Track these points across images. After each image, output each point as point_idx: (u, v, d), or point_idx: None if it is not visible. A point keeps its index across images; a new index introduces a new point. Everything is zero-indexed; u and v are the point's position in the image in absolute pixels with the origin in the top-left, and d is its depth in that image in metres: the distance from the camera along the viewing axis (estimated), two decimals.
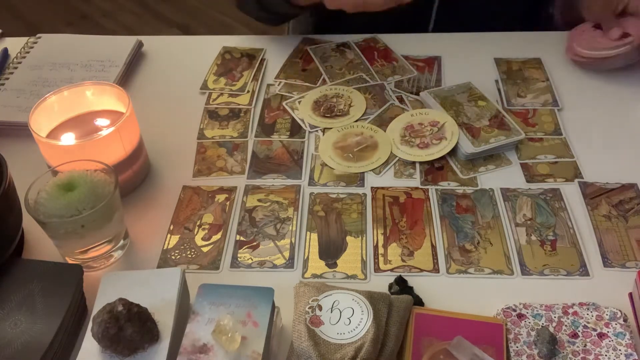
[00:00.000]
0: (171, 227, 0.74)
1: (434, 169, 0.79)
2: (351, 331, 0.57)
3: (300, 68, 0.97)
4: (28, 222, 0.68)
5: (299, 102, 0.90)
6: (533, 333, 0.60)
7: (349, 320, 0.58)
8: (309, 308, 0.59)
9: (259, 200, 0.76)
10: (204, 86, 0.94)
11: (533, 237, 0.70)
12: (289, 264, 0.69)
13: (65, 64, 0.97)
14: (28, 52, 1.00)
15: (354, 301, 0.59)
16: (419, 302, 0.63)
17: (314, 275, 0.68)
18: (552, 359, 0.58)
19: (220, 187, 0.78)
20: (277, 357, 0.60)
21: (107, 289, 0.61)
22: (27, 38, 1.03)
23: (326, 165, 0.80)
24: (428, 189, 0.77)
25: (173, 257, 0.70)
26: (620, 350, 0.58)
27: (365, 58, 0.98)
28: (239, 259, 0.70)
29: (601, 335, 0.60)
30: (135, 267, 0.69)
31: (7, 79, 0.95)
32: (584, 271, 0.67)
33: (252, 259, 0.70)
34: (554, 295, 0.64)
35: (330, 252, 0.70)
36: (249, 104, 0.91)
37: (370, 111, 0.88)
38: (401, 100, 0.90)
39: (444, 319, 0.61)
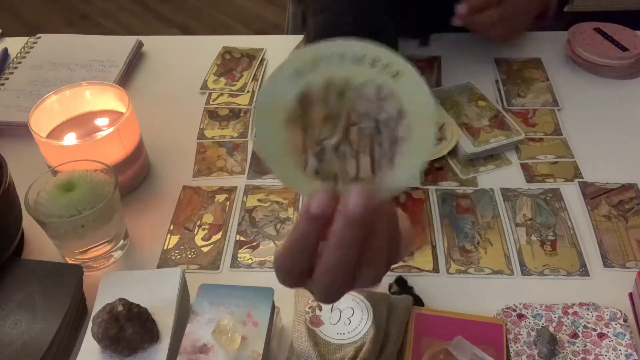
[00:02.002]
0: (171, 227, 0.74)
1: (434, 169, 0.79)
2: (351, 331, 0.57)
3: None
4: (28, 222, 0.68)
5: None
6: (533, 333, 0.60)
7: (349, 320, 0.58)
8: (309, 308, 0.59)
9: (259, 200, 0.76)
10: (204, 86, 0.94)
11: (533, 237, 0.70)
12: None
13: (65, 64, 0.97)
14: (28, 52, 1.00)
15: (354, 301, 0.59)
16: (419, 302, 0.63)
17: None
18: (552, 359, 0.58)
19: (220, 187, 0.78)
20: (277, 357, 0.60)
21: (107, 289, 0.61)
22: (27, 38, 1.03)
23: None
24: (428, 189, 0.77)
25: (173, 257, 0.70)
26: (620, 350, 0.58)
27: None
28: (239, 259, 0.70)
29: (601, 335, 0.60)
30: (135, 267, 0.69)
31: (7, 79, 0.95)
32: (583, 271, 0.67)
33: (252, 259, 0.70)
34: (554, 295, 0.64)
35: None
36: (249, 104, 0.91)
37: None
38: None
39: (444, 319, 0.61)
